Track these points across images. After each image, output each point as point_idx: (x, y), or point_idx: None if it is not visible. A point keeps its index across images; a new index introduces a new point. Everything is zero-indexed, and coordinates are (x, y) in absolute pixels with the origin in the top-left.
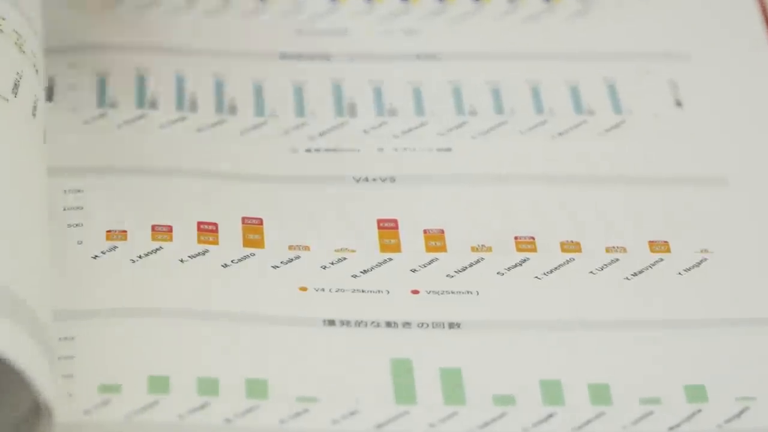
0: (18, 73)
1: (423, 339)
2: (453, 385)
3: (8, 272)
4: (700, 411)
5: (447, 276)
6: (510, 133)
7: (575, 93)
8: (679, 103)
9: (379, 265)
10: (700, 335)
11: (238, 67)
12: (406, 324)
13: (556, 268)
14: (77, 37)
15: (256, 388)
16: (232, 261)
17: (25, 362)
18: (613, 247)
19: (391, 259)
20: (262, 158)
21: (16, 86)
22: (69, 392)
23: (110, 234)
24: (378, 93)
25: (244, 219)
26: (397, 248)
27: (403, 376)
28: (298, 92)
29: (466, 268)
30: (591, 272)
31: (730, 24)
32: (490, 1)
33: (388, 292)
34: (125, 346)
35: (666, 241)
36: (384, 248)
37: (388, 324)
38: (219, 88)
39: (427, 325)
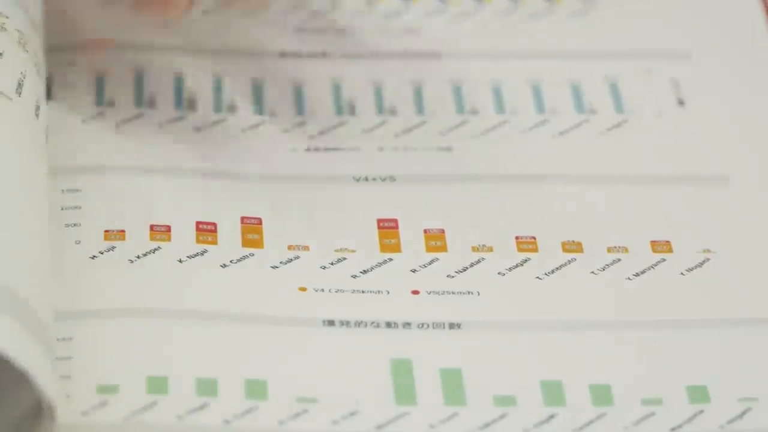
0: (22, 72)
1: (423, 339)
2: (453, 386)
3: (10, 271)
4: (702, 412)
5: (447, 276)
6: (511, 132)
7: (577, 92)
8: (681, 102)
9: (379, 265)
10: (702, 335)
11: (237, 66)
12: (407, 324)
13: (557, 268)
14: (75, 35)
15: (256, 389)
16: (231, 261)
17: (26, 361)
18: (615, 247)
19: (391, 259)
20: (261, 157)
21: (20, 86)
22: (67, 393)
23: (108, 234)
24: (378, 92)
25: (243, 219)
26: (397, 248)
27: (403, 377)
28: (298, 91)
29: (466, 268)
30: (592, 272)
31: (732, 23)
32: (491, 0)
33: (388, 293)
34: (123, 346)
35: (668, 241)
36: (384, 248)
37: (388, 324)
38: (218, 86)
39: (428, 326)
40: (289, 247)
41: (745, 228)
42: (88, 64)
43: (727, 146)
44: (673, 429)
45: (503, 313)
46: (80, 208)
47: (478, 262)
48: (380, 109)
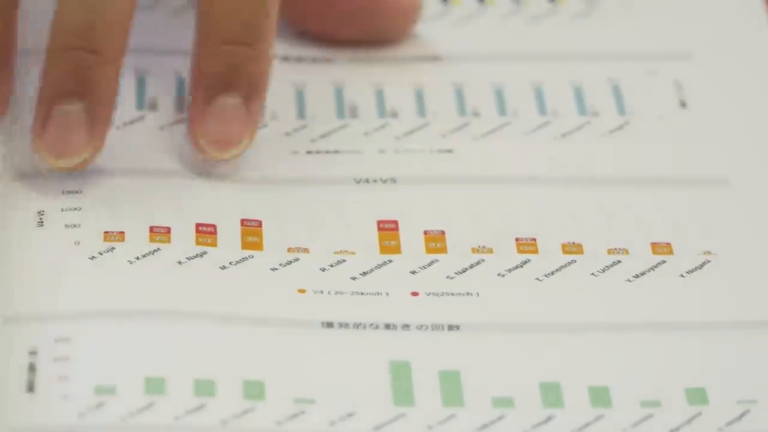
0: None
1: (422, 341)
2: (452, 388)
3: None
4: (700, 414)
5: (447, 277)
6: (513, 134)
7: (579, 94)
8: (683, 104)
9: (379, 266)
10: (700, 337)
11: None
12: (405, 326)
13: (557, 270)
14: None
15: (253, 390)
16: (230, 263)
17: None
18: (615, 249)
19: (391, 261)
20: (262, 160)
21: None
22: (64, 394)
23: (108, 235)
24: (379, 95)
25: (243, 221)
26: (397, 250)
27: (401, 378)
28: (299, 94)
29: (466, 269)
30: (593, 274)
31: (735, 24)
32: (494, 3)
33: (388, 294)
34: (121, 347)
35: (669, 243)
36: (384, 250)
37: (387, 326)
38: None
39: (426, 327)
40: (289, 250)
41: (746, 230)
42: None
43: (728, 148)
44: (671, 431)
45: (503, 315)
46: (80, 209)
47: (478, 263)
48: (381, 112)
